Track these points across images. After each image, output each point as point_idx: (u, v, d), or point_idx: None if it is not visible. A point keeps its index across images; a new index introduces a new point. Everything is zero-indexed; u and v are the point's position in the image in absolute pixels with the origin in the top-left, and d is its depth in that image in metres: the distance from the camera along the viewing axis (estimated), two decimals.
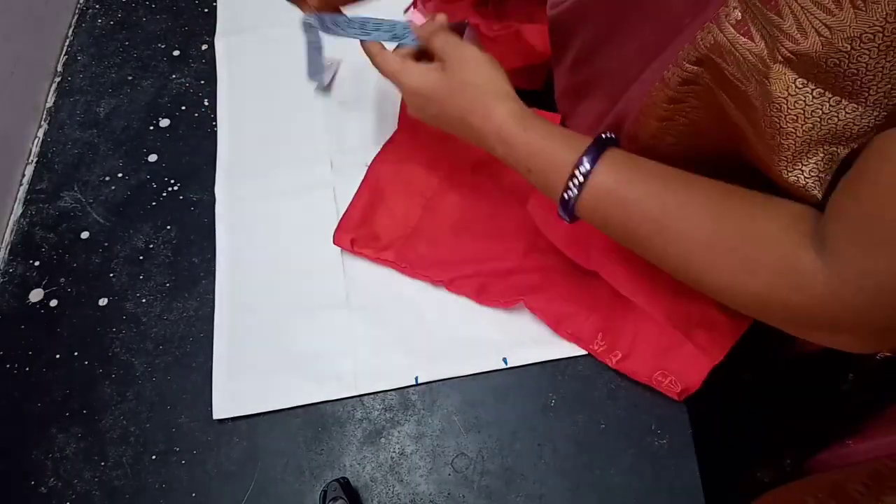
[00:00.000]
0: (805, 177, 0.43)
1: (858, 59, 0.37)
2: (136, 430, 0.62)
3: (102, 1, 0.90)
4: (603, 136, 0.49)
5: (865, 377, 0.59)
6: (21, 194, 0.77)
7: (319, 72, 0.73)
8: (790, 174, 0.43)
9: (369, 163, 0.70)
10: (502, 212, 0.66)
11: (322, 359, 0.63)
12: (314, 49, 0.69)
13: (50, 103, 0.83)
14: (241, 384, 0.62)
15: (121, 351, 0.66)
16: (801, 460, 0.59)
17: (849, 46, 0.36)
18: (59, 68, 0.85)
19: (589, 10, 0.56)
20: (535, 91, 0.71)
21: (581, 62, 0.60)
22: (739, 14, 0.41)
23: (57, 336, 0.67)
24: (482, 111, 0.52)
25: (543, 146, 0.50)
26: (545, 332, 0.61)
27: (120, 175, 0.76)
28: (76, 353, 0.66)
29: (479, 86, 0.53)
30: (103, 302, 0.68)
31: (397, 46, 0.60)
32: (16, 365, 0.66)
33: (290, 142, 0.75)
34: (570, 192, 0.48)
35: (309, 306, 0.65)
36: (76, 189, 0.76)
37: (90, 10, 0.90)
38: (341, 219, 0.67)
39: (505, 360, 0.61)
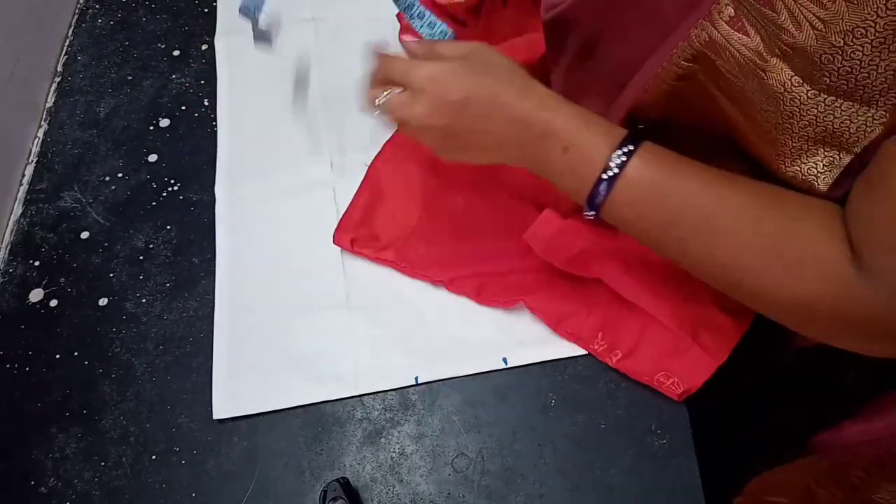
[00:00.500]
0: (803, 174, 0.43)
1: (852, 55, 0.36)
2: (136, 430, 0.62)
3: (102, 1, 0.90)
4: (640, 127, 0.48)
5: (867, 372, 0.59)
6: (21, 194, 0.76)
7: (265, 38, 0.65)
8: (789, 169, 0.43)
9: (369, 163, 0.70)
10: (502, 212, 0.66)
11: (322, 359, 0.63)
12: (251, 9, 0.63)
13: (50, 103, 0.83)
14: (241, 384, 0.62)
15: (121, 351, 0.66)
16: (811, 432, 0.59)
17: (842, 41, 0.36)
18: (59, 68, 0.85)
19: (584, 12, 0.56)
20: None
21: (577, 63, 0.60)
22: (732, 11, 0.41)
23: (57, 336, 0.67)
24: (518, 87, 0.48)
25: (584, 123, 0.47)
26: (545, 332, 0.61)
27: (120, 175, 0.76)
28: (76, 353, 0.66)
29: (507, 67, 0.50)
30: (103, 302, 0.68)
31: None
32: (16, 365, 0.66)
33: (290, 142, 0.75)
34: (608, 173, 0.45)
35: (309, 306, 0.65)
36: (76, 189, 0.76)
37: (90, 10, 0.90)
38: (341, 219, 0.67)
39: (505, 360, 0.61)
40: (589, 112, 0.49)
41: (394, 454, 0.59)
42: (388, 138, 0.71)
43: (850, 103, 0.38)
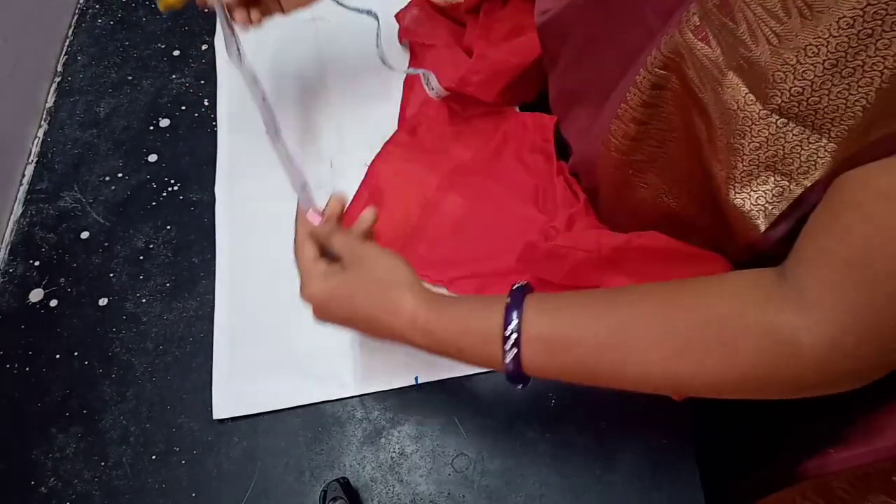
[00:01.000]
0: (751, 203, 0.42)
1: (804, 74, 0.37)
2: (136, 430, 0.62)
3: (102, 1, 0.91)
4: (514, 286, 0.45)
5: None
6: (21, 194, 0.77)
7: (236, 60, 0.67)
8: (737, 196, 0.43)
9: (369, 163, 0.70)
10: (502, 212, 0.66)
11: (322, 359, 0.63)
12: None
13: (50, 103, 0.83)
14: (242, 384, 0.62)
15: (121, 351, 0.66)
16: (798, 460, 0.59)
17: (794, 58, 0.37)
18: (59, 68, 0.85)
19: (572, 18, 0.56)
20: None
21: (569, 68, 0.61)
22: (698, 19, 0.41)
23: (57, 336, 0.67)
24: (389, 306, 0.47)
25: (466, 322, 0.46)
26: None
27: (120, 175, 0.76)
28: (76, 353, 0.66)
29: (380, 280, 0.49)
30: (103, 302, 0.68)
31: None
32: (16, 365, 0.66)
33: (290, 142, 0.75)
34: (510, 352, 0.43)
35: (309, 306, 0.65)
36: (76, 189, 0.76)
37: (90, 10, 0.90)
38: None
39: None
40: (461, 300, 0.48)
41: (394, 454, 0.59)
42: (388, 138, 0.71)
43: (802, 128, 0.39)
